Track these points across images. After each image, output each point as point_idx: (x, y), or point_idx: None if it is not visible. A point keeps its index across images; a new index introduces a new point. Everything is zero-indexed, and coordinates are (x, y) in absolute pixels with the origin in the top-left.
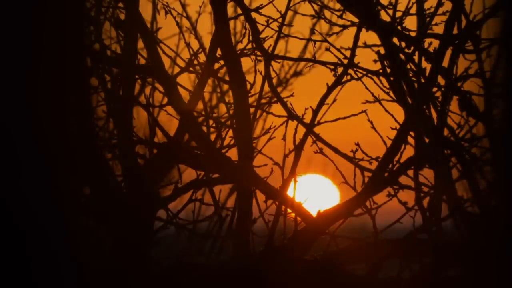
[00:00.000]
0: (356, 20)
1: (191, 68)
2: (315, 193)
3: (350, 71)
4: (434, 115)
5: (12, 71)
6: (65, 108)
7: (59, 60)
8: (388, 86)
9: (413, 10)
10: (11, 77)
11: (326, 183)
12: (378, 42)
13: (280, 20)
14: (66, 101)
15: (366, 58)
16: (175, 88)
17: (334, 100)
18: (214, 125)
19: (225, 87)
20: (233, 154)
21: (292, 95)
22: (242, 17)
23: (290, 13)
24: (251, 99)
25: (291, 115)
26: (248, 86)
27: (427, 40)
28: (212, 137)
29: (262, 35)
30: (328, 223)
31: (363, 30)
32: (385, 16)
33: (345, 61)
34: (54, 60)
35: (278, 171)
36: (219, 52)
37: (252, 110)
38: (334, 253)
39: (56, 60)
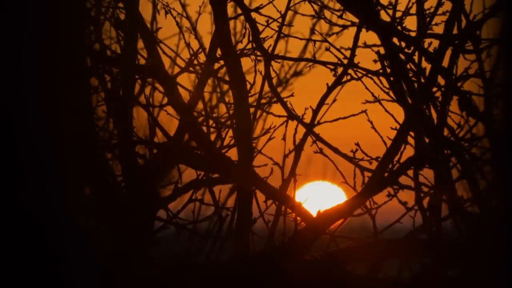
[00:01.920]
0: (356, 20)
1: (191, 68)
2: (319, 196)
3: (350, 71)
4: (434, 115)
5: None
6: (66, 108)
7: (60, 60)
8: (388, 86)
9: (413, 10)
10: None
11: (331, 188)
12: (378, 42)
13: (280, 20)
14: (67, 101)
15: (366, 58)
16: (175, 88)
17: (334, 100)
18: (214, 125)
19: (225, 87)
20: (233, 154)
21: (292, 95)
22: (242, 17)
23: (290, 13)
24: (251, 99)
25: (291, 115)
26: (248, 86)
27: (427, 40)
28: (212, 137)
29: (262, 35)
30: (328, 223)
31: (363, 30)
32: (385, 16)
33: (345, 61)
34: (55, 61)
35: (278, 171)
36: (219, 52)
37: (252, 110)
38: (334, 253)
39: (57, 61)
